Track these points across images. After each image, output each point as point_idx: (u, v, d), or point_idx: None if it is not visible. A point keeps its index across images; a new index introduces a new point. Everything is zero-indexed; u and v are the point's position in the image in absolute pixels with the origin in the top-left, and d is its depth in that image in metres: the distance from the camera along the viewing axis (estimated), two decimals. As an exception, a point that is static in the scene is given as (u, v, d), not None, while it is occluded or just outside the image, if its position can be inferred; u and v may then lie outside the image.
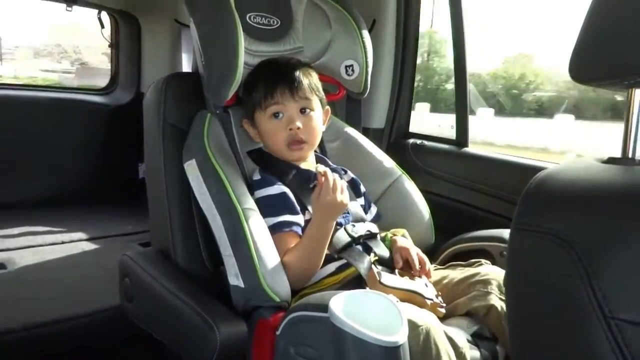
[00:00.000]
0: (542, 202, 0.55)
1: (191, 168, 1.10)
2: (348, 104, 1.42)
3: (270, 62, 1.19)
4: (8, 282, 1.69)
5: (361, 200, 1.23)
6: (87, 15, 2.66)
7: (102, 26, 2.70)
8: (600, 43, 0.56)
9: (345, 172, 1.25)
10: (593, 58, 0.57)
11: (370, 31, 1.35)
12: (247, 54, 1.16)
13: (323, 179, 1.00)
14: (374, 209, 1.26)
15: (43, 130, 2.56)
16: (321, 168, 1.02)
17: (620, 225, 0.48)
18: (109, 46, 2.89)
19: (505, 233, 1.19)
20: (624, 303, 0.46)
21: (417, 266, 1.06)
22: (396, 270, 1.06)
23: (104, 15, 2.70)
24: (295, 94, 1.11)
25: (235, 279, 0.99)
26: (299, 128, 1.11)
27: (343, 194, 1.01)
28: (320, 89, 1.19)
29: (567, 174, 0.58)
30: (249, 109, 1.16)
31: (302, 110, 1.13)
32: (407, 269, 1.08)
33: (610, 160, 0.61)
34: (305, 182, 1.13)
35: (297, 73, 1.13)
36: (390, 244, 1.13)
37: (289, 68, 1.14)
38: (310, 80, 1.15)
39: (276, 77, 1.12)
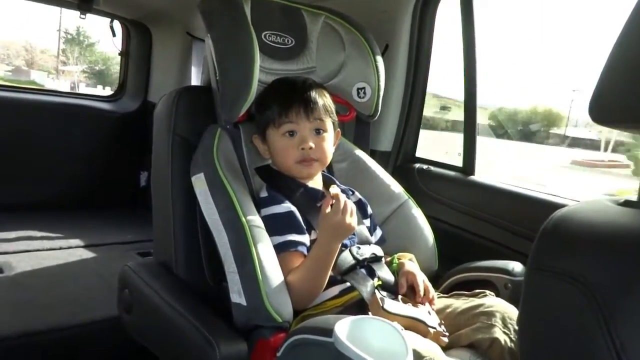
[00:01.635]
0: (560, 243, 0.55)
1: (199, 182, 1.09)
2: (357, 126, 1.42)
3: (286, 80, 1.19)
4: (5, 286, 1.68)
5: (367, 222, 1.22)
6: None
7: (114, 34, 2.74)
8: (622, 86, 0.55)
9: (353, 192, 1.24)
10: (614, 100, 0.57)
11: (382, 54, 1.36)
12: (260, 71, 1.17)
13: (333, 200, 0.99)
14: (379, 232, 1.25)
15: (46, 134, 2.56)
16: (334, 190, 1.03)
17: (638, 270, 0.48)
18: (119, 54, 2.91)
19: (511, 265, 1.18)
20: None
21: (422, 292, 1.05)
22: (399, 297, 1.05)
23: (116, 24, 2.73)
24: (310, 114, 1.12)
25: (237, 297, 0.98)
26: (311, 148, 1.11)
27: (352, 217, 1.00)
28: (334, 111, 1.20)
29: (584, 215, 0.57)
30: (260, 125, 1.16)
31: (316, 131, 1.14)
32: (411, 295, 1.07)
33: (627, 203, 0.61)
34: (312, 201, 1.13)
35: (313, 94, 1.14)
36: (397, 268, 1.12)
37: (305, 88, 1.15)
38: (325, 101, 1.16)
39: (292, 96, 1.12)
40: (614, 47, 0.56)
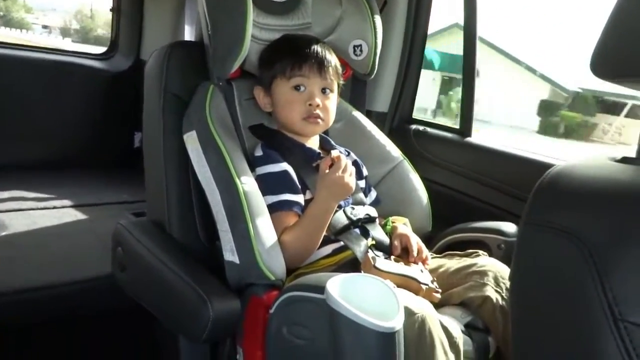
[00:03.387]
0: (555, 198, 0.54)
1: (191, 139, 1.08)
2: (353, 85, 1.40)
3: (298, 37, 1.18)
4: None
5: (362, 183, 1.22)
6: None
7: (104, -11, 2.64)
8: (624, 40, 0.54)
9: (349, 153, 1.23)
10: (616, 55, 0.56)
11: (380, 12, 1.33)
12: (254, 26, 1.13)
13: (333, 160, 1.00)
14: (373, 193, 1.25)
15: (36, 92, 2.50)
16: (335, 153, 1.03)
17: (634, 225, 0.47)
18: (110, 10, 2.83)
19: (504, 226, 1.19)
20: (635, 306, 0.45)
21: (415, 253, 1.05)
22: (392, 257, 1.06)
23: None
24: (322, 72, 1.11)
25: (230, 255, 0.98)
26: (318, 105, 1.10)
27: (351, 177, 1.01)
28: (341, 74, 1.19)
29: (580, 172, 0.57)
30: (266, 76, 1.14)
31: (323, 90, 1.13)
32: (404, 256, 1.07)
33: (625, 160, 0.60)
34: (308, 161, 1.12)
35: (327, 54, 1.14)
36: (391, 230, 1.12)
37: (319, 47, 1.14)
38: (336, 63, 1.16)
39: (307, 51, 1.11)
40: (617, 2, 0.55)
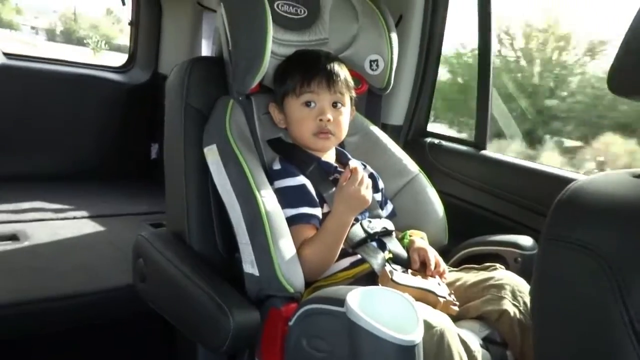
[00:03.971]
0: (575, 214, 0.55)
1: (211, 153, 1.10)
2: (369, 99, 1.41)
3: (308, 52, 1.20)
4: (21, 254, 1.71)
5: (378, 196, 1.23)
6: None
7: (124, 3, 2.70)
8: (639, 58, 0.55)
9: (365, 166, 1.24)
10: (633, 72, 0.56)
11: (396, 26, 1.34)
12: (273, 42, 1.15)
13: (351, 173, 1.01)
14: (390, 206, 1.26)
15: (58, 104, 2.56)
16: (353, 164, 1.05)
17: None
18: (129, 24, 2.89)
19: (521, 239, 1.19)
20: None
21: (433, 266, 1.06)
22: (409, 270, 1.06)
23: (126, -7, 2.70)
24: (331, 86, 1.12)
25: (250, 267, 0.99)
26: (329, 120, 1.11)
27: (367, 190, 1.02)
28: (353, 86, 1.20)
29: (600, 187, 0.57)
30: (279, 93, 1.16)
31: (334, 104, 1.14)
32: (422, 269, 1.08)
33: None
34: (325, 175, 1.13)
35: (336, 67, 1.15)
36: (408, 244, 1.13)
37: (328, 60, 1.15)
38: (346, 76, 1.17)
39: (316, 67, 1.13)
40: (635, 18, 0.56)
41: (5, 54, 2.42)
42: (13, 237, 1.84)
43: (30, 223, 1.97)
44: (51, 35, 9.80)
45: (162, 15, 2.78)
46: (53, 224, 2.00)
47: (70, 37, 9.52)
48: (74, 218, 2.12)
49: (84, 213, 2.18)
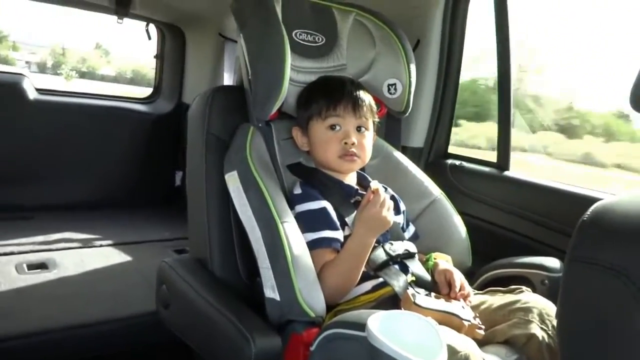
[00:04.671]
0: (600, 235, 0.54)
1: (232, 179, 1.11)
2: (388, 122, 1.42)
3: (333, 78, 1.23)
4: (50, 282, 1.75)
5: (400, 218, 1.22)
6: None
7: (149, 38, 2.80)
8: None
9: (386, 189, 1.24)
10: None
11: (414, 50, 1.36)
12: (292, 70, 1.18)
13: (372, 194, 1.01)
14: (412, 228, 1.25)
15: (87, 136, 2.65)
16: (374, 185, 1.05)
17: None
18: (154, 57, 2.99)
19: (547, 261, 1.16)
20: None
21: (458, 288, 1.04)
22: (432, 293, 1.05)
23: (152, 28, 2.80)
24: (357, 111, 1.14)
25: (271, 292, 0.99)
26: (353, 143, 1.13)
27: (389, 212, 1.02)
28: (376, 111, 1.22)
29: (623, 207, 0.56)
30: (303, 117, 1.19)
31: (358, 129, 1.16)
32: (446, 292, 1.06)
33: None
34: (346, 197, 1.14)
35: (361, 93, 1.18)
36: (433, 267, 1.12)
37: (353, 86, 1.18)
38: (370, 101, 1.19)
39: (342, 91, 1.16)
40: None
41: (38, 90, 2.52)
42: (42, 266, 1.89)
43: (59, 252, 2.01)
44: (42, 68, 11.34)
45: (185, 47, 2.86)
46: (80, 252, 2.05)
47: (57, 70, 11.03)
48: (101, 246, 2.16)
49: (110, 241, 2.22)
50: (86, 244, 2.16)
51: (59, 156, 2.57)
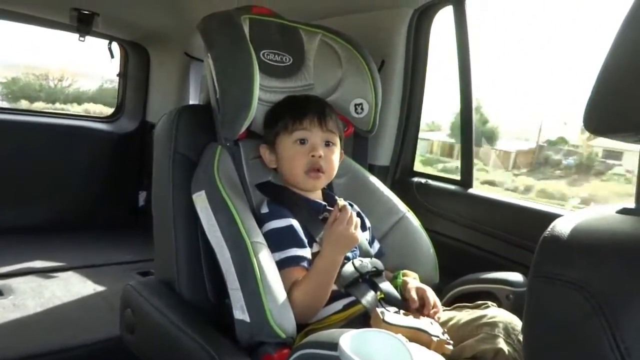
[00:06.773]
0: (561, 251, 0.55)
1: (200, 199, 1.10)
2: (355, 141, 1.44)
3: (299, 96, 1.25)
4: (5, 309, 1.67)
5: (367, 235, 1.23)
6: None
7: (112, 56, 2.76)
8: (613, 96, 0.56)
9: (352, 206, 1.25)
10: (607, 110, 0.57)
11: (379, 71, 1.38)
12: (260, 89, 1.18)
13: (339, 211, 1.02)
14: (376, 245, 1.26)
15: (45, 155, 2.57)
16: (342, 202, 1.06)
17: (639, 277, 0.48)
18: (117, 75, 2.94)
19: (511, 276, 1.19)
20: None
21: (431, 305, 1.06)
22: (401, 310, 1.06)
23: (114, 46, 2.76)
24: (323, 124, 1.16)
25: (240, 313, 0.98)
26: (320, 156, 1.13)
27: (356, 229, 1.02)
28: (342, 128, 1.24)
29: (584, 223, 0.58)
30: (270, 134, 1.19)
31: (327, 143, 1.17)
32: (414, 309, 1.07)
33: (625, 211, 0.61)
34: (314, 214, 1.14)
35: (327, 108, 1.20)
36: (401, 284, 1.13)
37: (319, 102, 1.21)
38: (335, 117, 1.22)
39: (307, 106, 1.18)
40: (608, 55, 0.57)
41: (-5, 108, 2.44)
42: (-3, 292, 1.80)
43: (15, 277, 1.93)
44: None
45: (150, 66, 2.83)
46: (38, 277, 1.97)
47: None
48: (62, 270, 2.08)
49: (71, 264, 2.15)
50: (45, 268, 2.07)
51: (14, 178, 2.47)
